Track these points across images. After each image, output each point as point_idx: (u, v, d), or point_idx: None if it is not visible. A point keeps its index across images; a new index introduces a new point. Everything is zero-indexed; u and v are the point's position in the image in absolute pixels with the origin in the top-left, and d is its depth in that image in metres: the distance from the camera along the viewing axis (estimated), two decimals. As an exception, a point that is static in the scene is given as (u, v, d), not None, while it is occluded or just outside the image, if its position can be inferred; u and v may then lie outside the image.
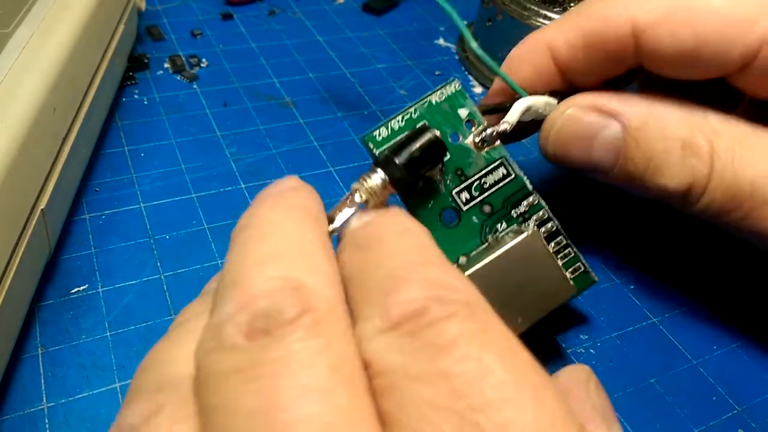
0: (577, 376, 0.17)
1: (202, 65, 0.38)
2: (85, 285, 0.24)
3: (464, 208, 0.22)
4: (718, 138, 0.21)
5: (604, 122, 0.23)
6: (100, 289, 0.24)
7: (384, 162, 0.19)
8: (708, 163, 0.21)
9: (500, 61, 0.39)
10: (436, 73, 0.40)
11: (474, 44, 0.23)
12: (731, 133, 0.21)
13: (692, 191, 0.22)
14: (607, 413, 0.16)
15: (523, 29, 0.37)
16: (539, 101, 0.24)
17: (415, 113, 0.22)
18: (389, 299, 0.14)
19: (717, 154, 0.21)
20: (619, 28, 0.22)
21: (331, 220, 0.17)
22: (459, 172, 0.22)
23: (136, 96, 0.35)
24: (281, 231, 0.16)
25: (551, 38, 0.24)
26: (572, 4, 0.39)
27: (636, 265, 0.28)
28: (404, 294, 0.14)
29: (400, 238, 0.16)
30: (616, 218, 0.30)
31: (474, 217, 0.22)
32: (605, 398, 0.16)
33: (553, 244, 0.23)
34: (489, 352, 0.13)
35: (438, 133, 0.20)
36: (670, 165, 0.22)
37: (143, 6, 0.38)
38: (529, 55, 0.24)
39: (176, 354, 0.14)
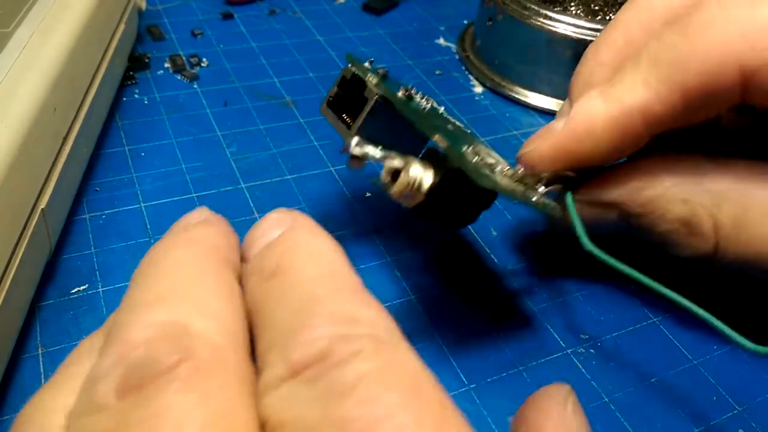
0: (555, 395, 0.16)
1: (202, 65, 0.38)
2: (85, 285, 0.24)
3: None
4: (720, 212, 0.21)
5: (603, 212, 0.23)
6: (100, 289, 0.24)
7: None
8: (712, 238, 0.21)
9: (500, 61, 0.39)
10: (437, 72, 0.40)
11: (585, 240, 0.22)
12: (734, 203, 0.21)
13: (704, 259, 0.22)
14: None
15: (523, 29, 0.37)
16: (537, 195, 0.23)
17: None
18: (292, 342, 0.12)
19: (721, 228, 0.21)
20: (728, 77, 0.20)
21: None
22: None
23: (136, 96, 0.35)
24: (177, 270, 0.14)
25: (645, 101, 0.21)
26: (572, 4, 0.39)
27: (636, 266, 0.28)
28: (307, 334, 0.12)
29: (308, 264, 0.14)
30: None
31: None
32: (582, 420, 0.16)
33: None
34: (392, 391, 0.12)
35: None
36: (677, 242, 0.22)
37: (143, 6, 0.38)
38: (620, 122, 0.21)
39: (55, 405, 0.13)
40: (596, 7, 0.38)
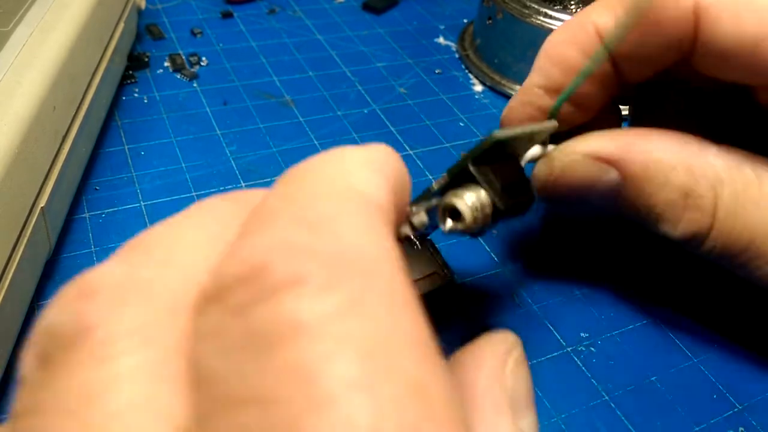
0: (495, 347, 0.13)
1: (202, 64, 0.38)
2: (85, 283, 0.24)
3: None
4: (722, 186, 0.20)
5: (603, 170, 0.22)
6: (100, 288, 0.24)
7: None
8: (711, 214, 0.20)
9: (500, 60, 0.39)
10: (437, 71, 0.40)
11: None
12: (735, 181, 0.20)
13: (694, 239, 0.21)
14: (520, 399, 0.12)
15: (523, 27, 0.37)
16: (532, 152, 0.22)
17: None
18: (231, 248, 0.09)
19: (720, 204, 0.20)
20: (681, 4, 0.19)
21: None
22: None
23: (135, 94, 0.35)
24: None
25: (599, 19, 0.21)
26: (572, 2, 0.39)
27: (637, 264, 0.28)
28: (251, 239, 0.09)
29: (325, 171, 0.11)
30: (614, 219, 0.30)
31: None
32: (524, 380, 0.13)
33: None
34: (346, 363, 0.08)
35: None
36: (673, 215, 0.21)
37: (143, 4, 0.38)
38: (576, 38, 0.22)
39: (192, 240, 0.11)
40: (596, 6, 0.38)
